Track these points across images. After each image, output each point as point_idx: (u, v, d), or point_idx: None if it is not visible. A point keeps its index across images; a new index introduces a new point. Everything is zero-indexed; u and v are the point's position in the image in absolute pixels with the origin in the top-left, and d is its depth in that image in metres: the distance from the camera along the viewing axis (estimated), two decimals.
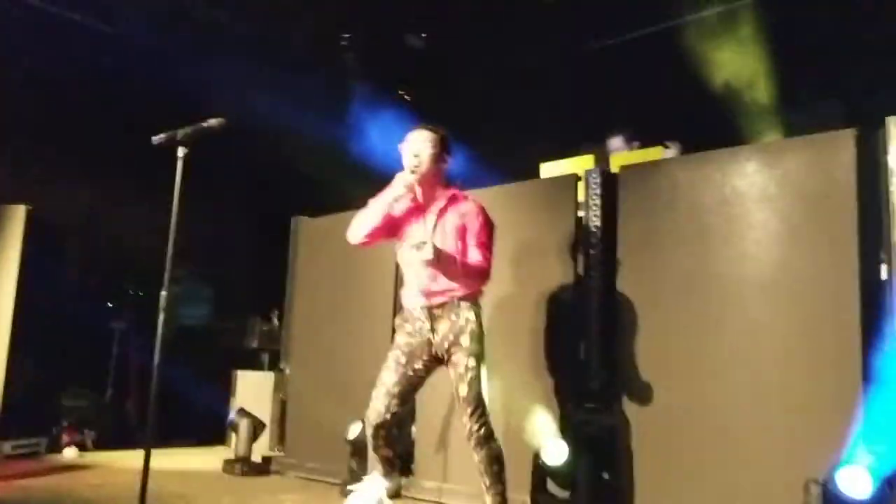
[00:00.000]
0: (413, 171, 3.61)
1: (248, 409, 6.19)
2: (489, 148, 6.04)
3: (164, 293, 3.13)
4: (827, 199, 3.75)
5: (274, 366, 7.28)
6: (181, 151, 3.28)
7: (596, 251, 4.47)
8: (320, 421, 5.65)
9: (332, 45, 7.60)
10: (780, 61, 5.01)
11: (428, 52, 7.17)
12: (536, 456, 4.31)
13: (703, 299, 4.08)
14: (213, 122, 3.35)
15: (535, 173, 5.37)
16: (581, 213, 4.57)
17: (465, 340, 3.59)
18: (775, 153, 4.05)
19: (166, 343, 3.19)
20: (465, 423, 3.56)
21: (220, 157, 5.65)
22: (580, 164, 4.94)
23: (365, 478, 3.89)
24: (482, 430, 3.53)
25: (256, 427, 6.03)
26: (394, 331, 3.86)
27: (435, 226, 3.67)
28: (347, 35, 7.48)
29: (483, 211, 3.74)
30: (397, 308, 4.31)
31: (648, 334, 4.23)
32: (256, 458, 6.03)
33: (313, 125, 6.91)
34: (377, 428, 3.58)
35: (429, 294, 3.64)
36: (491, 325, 4.22)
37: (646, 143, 5.31)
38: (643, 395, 4.17)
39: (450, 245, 3.60)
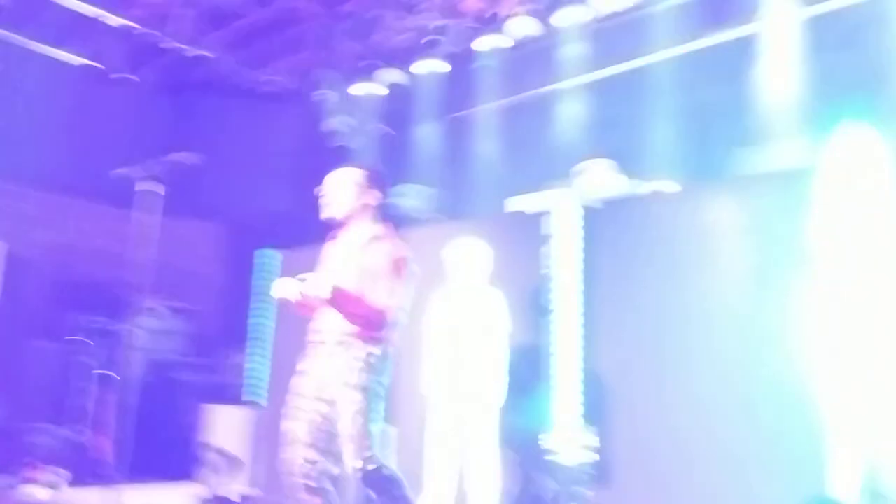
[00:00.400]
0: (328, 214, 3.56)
1: (222, 445, 6.13)
2: (461, 182, 6.11)
3: (134, 329, 3.08)
4: (800, 233, 3.82)
5: (248, 400, 7.23)
6: (152, 186, 3.26)
7: (567, 285, 4.52)
8: None
9: (309, 80, 7.65)
10: (750, 96, 5.09)
11: (405, 88, 7.25)
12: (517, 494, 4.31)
13: (676, 333, 4.15)
14: (181, 156, 3.35)
15: (501, 209, 5.42)
16: (552, 248, 4.63)
17: (353, 377, 3.35)
18: (748, 188, 4.12)
19: (138, 379, 3.15)
20: (349, 462, 3.30)
21: (194, 191, 5.67)
22: (548, 198, 5.00)
23: None
24: (369, 467, 3.28)
25: (232, 463, 5.97)
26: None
27: (349, 262, 3.49)
28: (327, 70, 7.55)
29: (399, 254, 3.50)
30: None
31: (620, 368, 4.28)
32: (234, 496, 5.96)
33: (287, 159, 6.94)
34: (301, 480, 3.35)
35: (326, 331, 3.47)
36: (467, 354, 4.29)
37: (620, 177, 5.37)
38: (614, 428, 4.20)
39: (359, 285, 3.40)
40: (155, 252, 3.31)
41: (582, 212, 4.63)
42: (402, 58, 7.11)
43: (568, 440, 4.41)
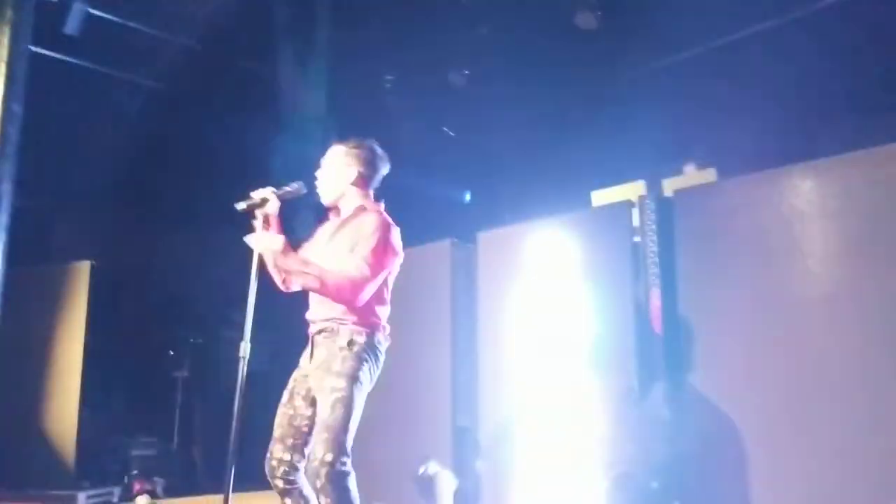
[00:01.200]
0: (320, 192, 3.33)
1: None
2: (539, 180, 6.08)
3: (244, 344, 3.10)
4: (890, 214, 3.70)
5: None
6: (263, 212, 3.17)
7: (654, 277, 4.45)
8: (384, 460, 5.66)
9: (376, 87, 7.70)
10: (843, 69, 4.87)
11: (471, 88, 7.23)
12: (607, 486, 4.25)
13: (767, 321, 4.03)
14: (295, 186, 3.26)
15: (586, 203, 5.36)
16: (637, 239, 4.58)
17: (337, 364, 3.08)
18: (834, 169, 4.00)
19: (232, 389, 3.15)
20: (313, 452, 2.96)
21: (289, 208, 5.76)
22: (632, 190, 4.95)
23: None
24: (335, 465, 2.91)
25: None
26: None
27: (331, 240, 3.27)
28: (390, 77, 7.59)
29: (381, 225, 3.19)
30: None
31: (712, 358, 4.19)
32: None
33: None
34: (272, 479, 3.16)
35: (313, 320, 3.25)
36: (553, 352, 4.23)
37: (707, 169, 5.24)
38: (711, 421, 4.12)
39: (336, 257, 3.16)
40: (243, 265, 3.26)
41: (668, 202, 4.56)
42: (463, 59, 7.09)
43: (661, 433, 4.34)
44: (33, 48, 5.25)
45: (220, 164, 7.58)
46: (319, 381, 3.12)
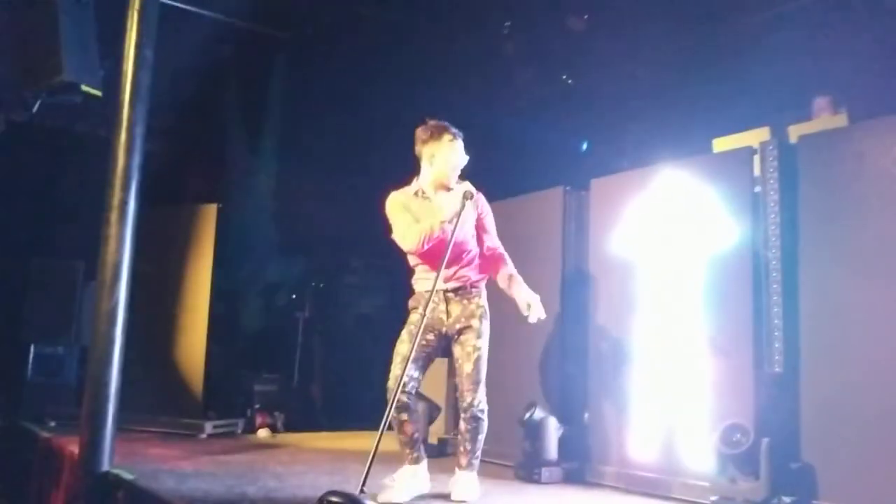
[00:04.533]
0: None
1: (424, 392, 6.34)
2: (660, 129, 5.91)
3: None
4: None
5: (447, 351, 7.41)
6: None
7: (775, 226, 4.25)
8: (492, 403, 5.71)
9: (493, 34, 7.61)
10: None
11: (590, 34, 7.04)
12: (716, 441, 4.13)
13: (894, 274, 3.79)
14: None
15: (707, 152, 5.16)
16: (757, 190, 4.38)
17: (476, 323, 4.09)
18: None
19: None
20: (464, 397, 4.04)
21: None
22: (756, 137, 4.72)
23: (395, 477, 4.01)
24: (480, 405, 4.05)
25: (432, 410, 6.17)
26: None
27: (457, 220, 3.91)
28: (507, 24, 7.47)
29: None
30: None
31: (833, 312, 3.98)
32: (433, 440, 6.18)
33: (478, 115, 6.96)
34: (401, 392, 3.81)
35: (445, 279, 4.03)
36: (664, 301, 4.12)
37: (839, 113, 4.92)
38: (830, 376, 3.93)
39: (466, 234, 4.07)
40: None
41: (791, 148, 4.33)
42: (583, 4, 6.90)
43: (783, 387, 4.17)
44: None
45: (343, 113, 7.75)
46: (460, 336, 4.10)
